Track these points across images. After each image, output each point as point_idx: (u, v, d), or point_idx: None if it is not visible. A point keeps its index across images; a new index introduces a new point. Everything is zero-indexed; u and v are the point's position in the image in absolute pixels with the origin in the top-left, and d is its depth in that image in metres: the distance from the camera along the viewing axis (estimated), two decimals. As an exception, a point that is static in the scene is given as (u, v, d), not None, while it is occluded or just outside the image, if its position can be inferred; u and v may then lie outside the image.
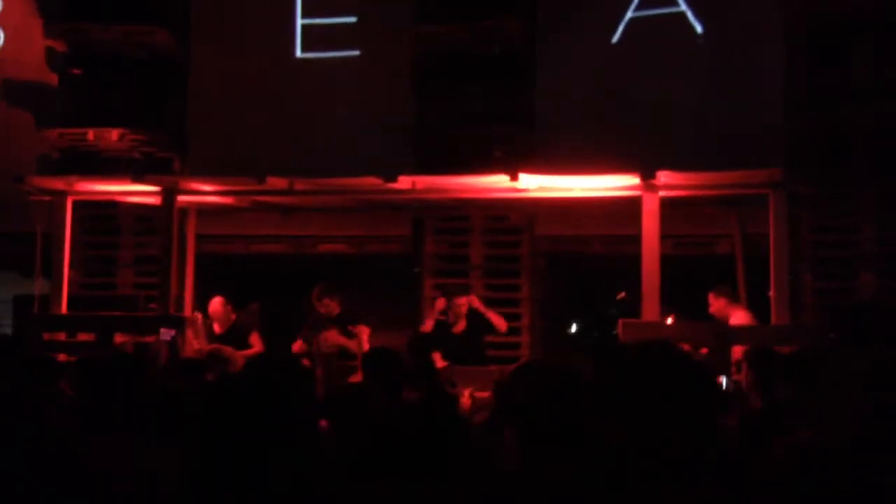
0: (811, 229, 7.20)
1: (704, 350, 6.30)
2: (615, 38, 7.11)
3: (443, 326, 7.16)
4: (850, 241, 7.12)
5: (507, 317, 7.47)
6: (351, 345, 7.11)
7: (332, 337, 7.09)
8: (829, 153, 6.94)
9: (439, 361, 6.94)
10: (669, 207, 6.67)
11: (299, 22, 7.93)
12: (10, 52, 8.63)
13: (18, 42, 8.64)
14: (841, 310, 6.53)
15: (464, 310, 7.07)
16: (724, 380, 5.65)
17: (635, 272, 6.59)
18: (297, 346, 7.20)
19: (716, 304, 6.74)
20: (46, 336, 7.29)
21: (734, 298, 6.83)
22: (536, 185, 6.81)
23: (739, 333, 6.29)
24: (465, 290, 7.31)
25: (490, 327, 7.12)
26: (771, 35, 6.80)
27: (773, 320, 6.30)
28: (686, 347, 6.34)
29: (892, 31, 6.94)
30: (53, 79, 8.80)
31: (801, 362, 4.31)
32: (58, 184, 7.59)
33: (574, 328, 9.55)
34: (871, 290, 6.96)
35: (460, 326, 7.09)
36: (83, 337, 7.42)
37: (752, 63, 6.76)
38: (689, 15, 7.01)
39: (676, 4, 7.06)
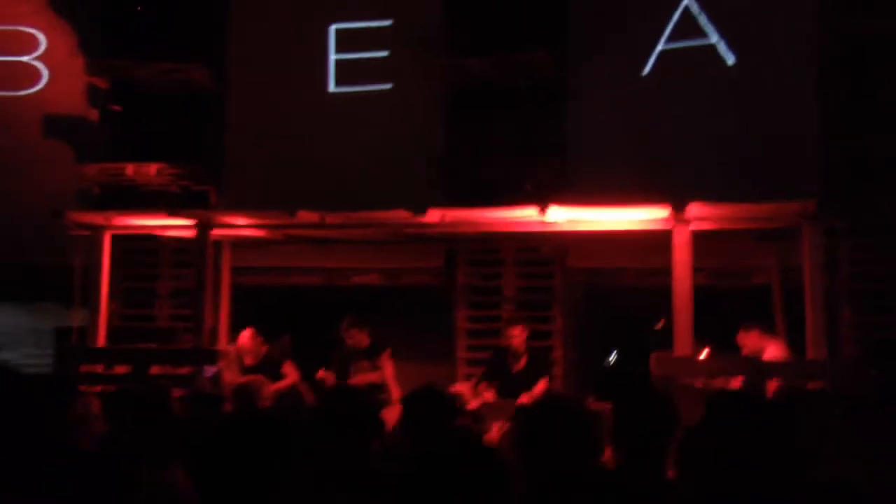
0: (848, 262, 7.04)
1: (737, 382, 6.18)
2: (645, 71, 7.06)
3: (500, 359, 7.10)
4: (888, 273, 6.94)
5: (543, 349, 7.46)
6: (376, 377, 7.12)
7: (360, 378, 7.10)
8: (865, 184, 6.79)
9: (488, 396, 6.93)
10: (704, 238, 6.59)
11: (332, 57, 8.04)
12: (53, 89, 8.87)
13: (61, 79, 8.88)
14: (880, 345, 6.35)
15: (517, 341, 7.00)
16: None
17: (670, 303, 6.50)
18: (327, 377, 7.21)
19: (746, 340, 6.59)
20: (84, 368, 7.43)
21: (766, 331, 6.68)
22: (566, 217, 6.78)
23: (774, 368, 6.16)
24: (520, 321, 7.23)
25: (549, 370, 7.08)
26: (803, 64, 6.69)
27: (809, 354, 6.16)
28: (721, 381, 6.25)
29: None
30: (94, 114, 9.01)
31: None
32: (96, 219, 7.76)
33: (612, 358, 9.45)
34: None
35: (520, 365, 7.02)
36: (120, 369, 7.53)
37: (785, 93, 6.66)
38: (722, 46, 6.94)
39: (707, 36, 7.00)
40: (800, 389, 5.31)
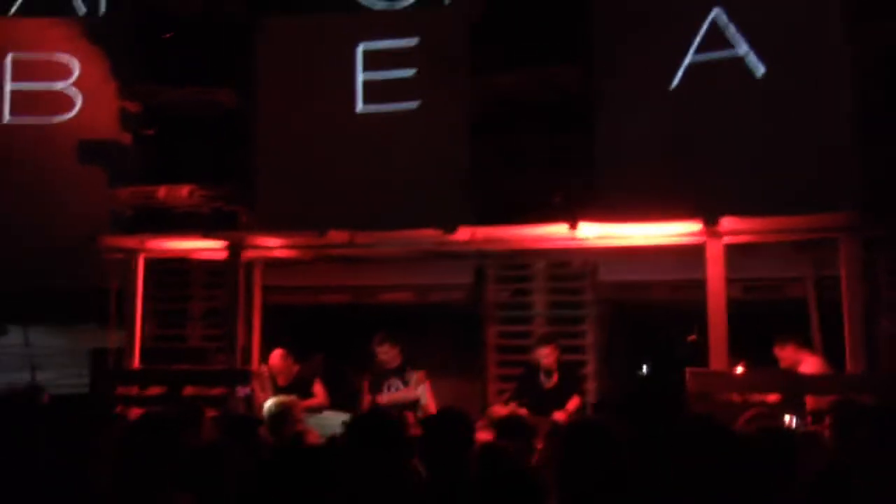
0: (887, 272, 6.91)
1: (774, 397, 6.07)
2: (674, 83, 7.01)
3: (531, 376, 7.06)
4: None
5: (573, 364, 7.40)
6: (408, 395, 7.09)
7: (392, 396, 7.08)
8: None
9: (521, 413, 6.86)
10: (738, 250, 6.51)
11: (360, 77, 8.09)
12: (87, 114, 9.00)
13: (94, 104, 9.02)
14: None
15: (547, 360, 6.94)
16: (793, 421, 5.42)
17: (703, 316, 6.43)
18: (367, 400, 7.21)
19: (783, 354, 6.48)
20: (120, 390, 7.51)
21: (802, 344, 6.57)
22: (596, 233, 6.75)
23: (811, 382, 6.06)
24: (551, 340, 7.18)
25: (581, 386, 7.02)
26: (835, 72, 6.60)
27: (848, 368, 6.06)
28: (757, 396, 6.15)
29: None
30: (127, 138, 9.14)
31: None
32: (130, 242, 7.87)
33: (644, 370, 9.37)
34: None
35: (552, 382, 6.97)
36: (155, 390, 7.60)
37: (817, 103, 6.56)
38: (751, 57, 6.88)
39: (735, 47, 6.94)
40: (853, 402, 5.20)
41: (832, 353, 6.53)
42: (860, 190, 6.18)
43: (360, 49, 8.00)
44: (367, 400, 7.20)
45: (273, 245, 7.78)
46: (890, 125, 6.79)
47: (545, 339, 7.11)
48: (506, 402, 7.10)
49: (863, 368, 6.02)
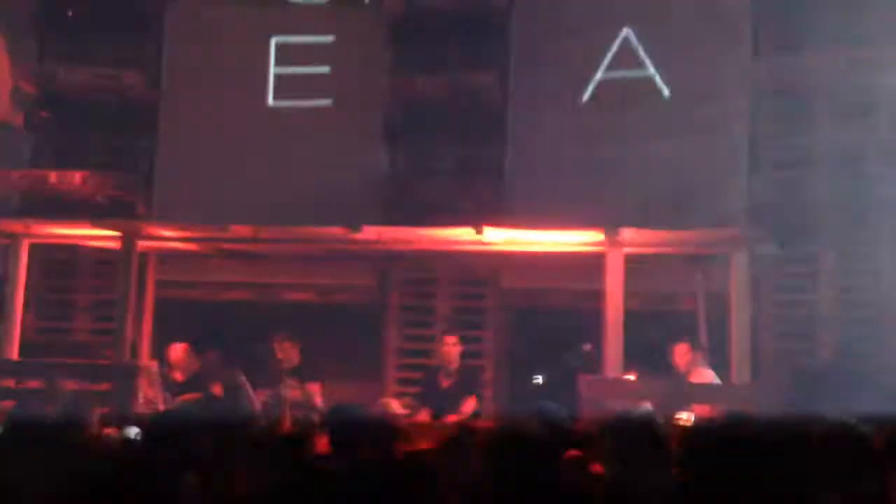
0: (773, 289, 7.27)
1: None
2: (585, 97, 7.22)
3: (431, 378, 7.03)
4: (809, 301, 7.20)
5: (474, 367, 7.46)
6: (304, 396, 6.98)
7: (291, 393, 6.96)
8: (792, 214, 7.05)
9: (422, 417, 6.83)
10: (637, 263, 6.72)
11: (272, 70, 7.96)
12: (-23, 92, 8.54)
13: (-13, 82, 8.56)
14: (800, 371, 6.57)
15: (450, 352, 6.95)
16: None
17: (601, 326, 6.59)
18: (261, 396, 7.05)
19: (685, 358, 6.68)
20: (-6, 382, 7.08)
21: (697, 352, 6.82)
22: (502, 238, 6.84)
23: (699, 392, 6.29)
24: (455, 332, 7.19)
25: (478, 388, 7.04)
26: (734, 97, 6.96)
27: (734, 378, 6.33)
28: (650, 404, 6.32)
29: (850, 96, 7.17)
30: (19, 120, 8.71)
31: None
32: (14, 226, 7.49)
33: (539, 380, 9.50)
34: (831, 351, 7.02)
35: (451, 381, 6.97)
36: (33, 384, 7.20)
37: (716, 127, 6.91)
38: (658, 78, 7.16)
39: (645, 68, 7.20)
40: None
41: (719, 364, 6.80)
42: (753, 209, 6.50)
43: (273, 42, 7.88)
44: (217, 389, 7.03)
45: (170, 236, 7.53)
46: (779, 151, 7.19)
47: (451, 331, 7.16)
48: (406, 407, 7.07)
49: (748, 379, 6.29)
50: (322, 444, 5.18)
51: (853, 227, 7.06)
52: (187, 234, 7.48)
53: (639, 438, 2.86)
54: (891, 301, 6.96)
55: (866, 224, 7.02)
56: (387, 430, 5.27)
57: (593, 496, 2.69)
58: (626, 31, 7.15)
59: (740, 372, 6.31)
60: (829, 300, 7.19)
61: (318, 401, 7.06)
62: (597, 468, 3.02)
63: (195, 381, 7.11)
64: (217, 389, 7.11)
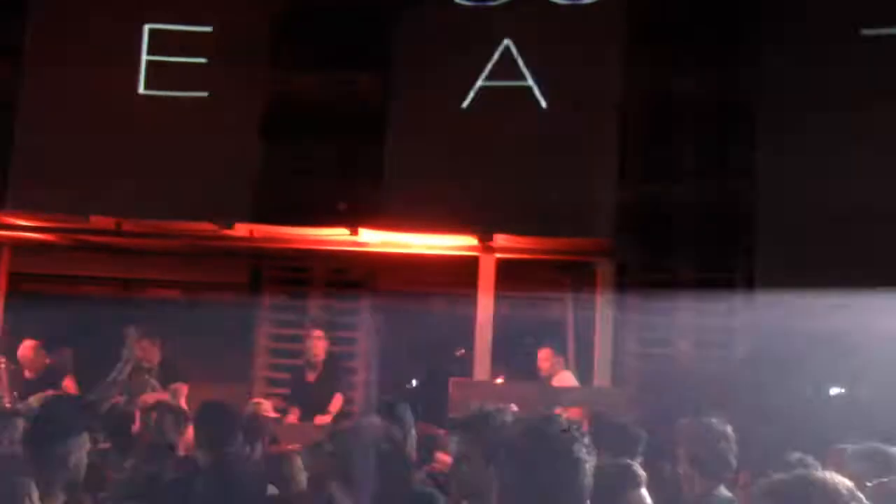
0: (634, 297, 7.54)
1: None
2: (465, 104, 7.28)
3: (299, 377, 6.92)
4: (670, 309, 7.52)
5: (337, 356, 7.40)
6: (166, 398, 6.74)
7: (151, 397, 6.70)
8: (658, 227, 7.36)
9: (292, 418, 6.70)
10: (511, 269, 6.84)
11: (145, 57, 7.64)
12: None
13: None
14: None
15: (316, 346, 6.87)
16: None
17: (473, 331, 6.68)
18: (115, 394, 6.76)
19: (548, 361, 6.88)
20: None
21: (559, 356, 7.03)
22: (377, 240, 6.83)
23: (565, 394, 6.47)
24: (321, 326, 7.11)
25: (344, 382, 6.98)
26: (607, 113, 7.19)
27: (595, 382, 6.56)
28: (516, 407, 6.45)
29: (727, 111, 7.53)
30: None
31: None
32: None
33: (414, 384, 9.54)
34: (688, 357, 7.36)
35: (316, 375, 6.89)
36: None
37: (588, 139, 7.12)
38: (537, 90, 7.30)
39: (524, 78, 7.34)
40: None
41: (584, 368, 7.03)
42: (620, 220, 6.73)
43: (146, 28, 7.58)
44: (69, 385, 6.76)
45: (25, 225, 7.12)
46: (653, 164, 7.49)
47: (316, 324, 7.10)
48: (276, 410, 6.95)
49: (608, 383, 6.53)
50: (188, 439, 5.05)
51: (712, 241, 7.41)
52: (43, 223, 7.09)
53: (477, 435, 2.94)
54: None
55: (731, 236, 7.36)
56: (255, 427, 5.21)
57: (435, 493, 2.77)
58: (506, 42, 7.27)
59: (602, 376, 6.53)
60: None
61: (183, 402, 6.83)
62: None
63: (46, 378, 6.76)
64: (68, 384, 6.80)
